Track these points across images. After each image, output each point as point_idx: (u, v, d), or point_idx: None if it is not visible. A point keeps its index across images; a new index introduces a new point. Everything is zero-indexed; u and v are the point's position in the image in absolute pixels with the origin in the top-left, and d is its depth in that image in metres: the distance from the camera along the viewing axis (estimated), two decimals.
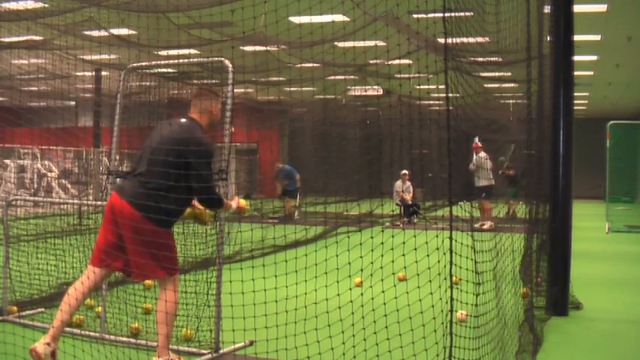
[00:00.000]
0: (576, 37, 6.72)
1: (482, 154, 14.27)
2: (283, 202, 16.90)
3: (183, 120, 4.53)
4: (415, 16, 7.81)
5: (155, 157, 4.28)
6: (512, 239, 6.57)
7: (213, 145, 4.69)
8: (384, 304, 4.54)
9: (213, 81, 12.67)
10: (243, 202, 4.71)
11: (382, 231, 4.69)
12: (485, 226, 13.31)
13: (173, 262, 4.42)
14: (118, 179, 4.51)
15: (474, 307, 3.82)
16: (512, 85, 13.99)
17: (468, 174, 14.23)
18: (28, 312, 5.93)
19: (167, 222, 4.31)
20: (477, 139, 14.27)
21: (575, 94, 12.93)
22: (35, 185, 19.63)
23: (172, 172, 4.21)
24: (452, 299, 3.51)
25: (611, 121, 16.17)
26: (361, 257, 4.56)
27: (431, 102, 20.01)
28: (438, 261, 3.77)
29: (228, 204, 4.57)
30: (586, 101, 25.96)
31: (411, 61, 12.65)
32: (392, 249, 4.29)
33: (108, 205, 4.38)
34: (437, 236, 4.21)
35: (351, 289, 5.03)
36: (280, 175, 17.10)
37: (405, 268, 4.27)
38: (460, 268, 3.58)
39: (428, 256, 4.10)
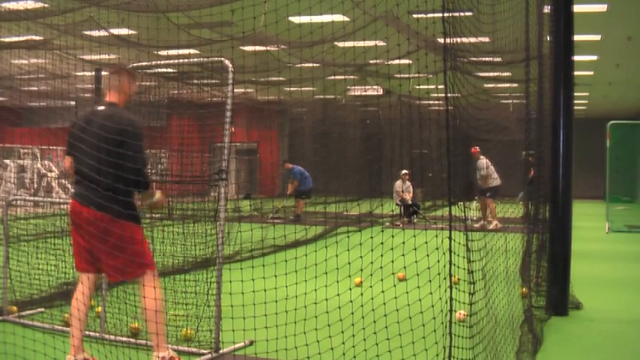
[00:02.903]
0: (576, 37, 6.72)
1: (483, 160, 14.17)
2: (295, 202, 16.77)
3: (104, 108, 4.44)
4: (415, 16, 7.81)
5: (101, 155, 4.20)
6: (515, 239, 6.59)
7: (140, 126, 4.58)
8: (384, 304, 4.54)
9: (214, 81, 12.67)
10: (160, 196, 4.57)
11: (382, 231, 4.69)
12: (490, 226, 13.25)
13: (148, 258, 4.39)
14: (76, 185, 4.41)
15: (469, 306, 3.82)
16: (512, 85, 13.99)
17: (470, 175, 14.15)
18: (28, 312, 5.94)
19: (136, 216, 4.31)
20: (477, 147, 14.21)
21: (575, 94, 12.91)
22: (35, 185, 19.64)
23: (120, 162, 4.16)
24: (451, 299, 3.51)
25: (611, 121, 16.17)
26: (361, 257, 4.56)
27: (431, 102, 20.00)
28: (438, 261, 3.77)
29: (153, 191, 4.52)
30: (586, 101, 25.95)
31: (410, 61, 12.67)
32: (392, 249, 4.29)
33: (71, 212, 4.34)
34: (436, 236, 4.22)
35: (351, 289, 5.03)
36: (292, 176, 16.81)
37: (404, 268, 4.27)
38: (459, 268, 3.58)
39: (427, 256, 4.10)
